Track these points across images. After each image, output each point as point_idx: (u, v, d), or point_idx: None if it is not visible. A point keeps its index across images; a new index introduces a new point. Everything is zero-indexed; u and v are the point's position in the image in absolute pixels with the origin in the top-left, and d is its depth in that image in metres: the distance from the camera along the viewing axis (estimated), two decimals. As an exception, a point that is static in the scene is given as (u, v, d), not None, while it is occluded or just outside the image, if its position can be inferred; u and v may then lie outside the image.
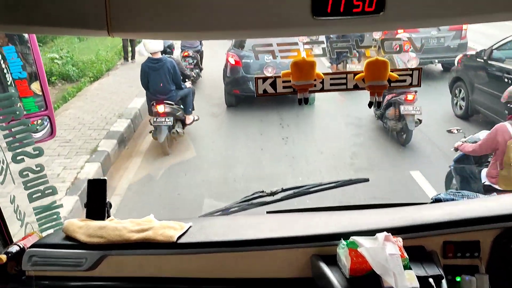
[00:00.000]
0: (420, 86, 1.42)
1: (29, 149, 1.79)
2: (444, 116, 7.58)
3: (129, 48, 11.30)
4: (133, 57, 11.16)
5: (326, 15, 1.14)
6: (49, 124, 1.84)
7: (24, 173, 1.76)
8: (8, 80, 1.78)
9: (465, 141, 4.25)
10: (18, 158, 1.77)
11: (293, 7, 1.14)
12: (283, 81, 1.41)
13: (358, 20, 1.16)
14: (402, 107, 6.13)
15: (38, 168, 1.78)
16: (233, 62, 8.09)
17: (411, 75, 1.42)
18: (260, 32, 1.29)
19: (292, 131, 7.26)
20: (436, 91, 8.56)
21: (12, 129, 1.77)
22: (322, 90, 1.42)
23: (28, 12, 1.09)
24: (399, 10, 1.16)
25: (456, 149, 4.33)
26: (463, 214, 1.57)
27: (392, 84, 1.41)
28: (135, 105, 8.27)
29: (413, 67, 1.44)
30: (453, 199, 1.80)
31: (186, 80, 6.82)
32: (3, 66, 1.76)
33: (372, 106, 1.40)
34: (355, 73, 1.41)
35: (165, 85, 6.19)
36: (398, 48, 1.52)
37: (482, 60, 7.16)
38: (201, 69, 9.55)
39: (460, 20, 1.30)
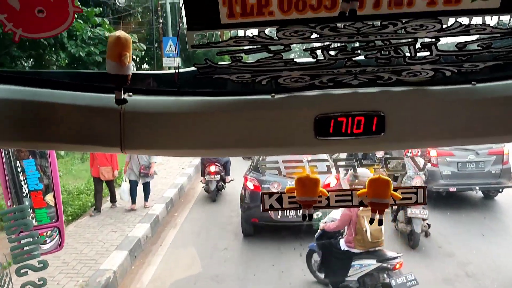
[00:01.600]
0: (426, 204, 1.58)
1: (34, 261, 1.97)
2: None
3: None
4: (113, 200, 9.60)
5: (329, 135, 1.40)
6: (58, 235, 2.05)
7: (26, 287, 1.90)
8: (24, 191, 2.07)
9: (325, 222, 5.92)
10: (22, 271, 1.94)
11: (298, 129, 1.42)
12: (289, 197, 1.61)
13: (359, 140, 1.42)
14: (409, 210, 7.00)
15: (41, 282, 1.92)
16: (251, 187, 8.08)
17: (416, 193, 1.60)
18: (266, 150, 1.56)
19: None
20: (482, 225, 8.40)
21: (21, 241, 1.98)
22: (327, 206, 1.60)
23: (49, 130, 1.40)
24: (398, 132, 1.42)
25: (322, 229, 5.93)
26: None
27: (397, 202, 1.58)
28: (110, 266, 6.67)
29: (417, 185, 1.62)
30: None
31: None
32: (21, 178, 2.07)
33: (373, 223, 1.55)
34: (359, 190, 1.60)
35: None
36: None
37: None
38: (225, 182, 10.66)
39: (456, 142, 1.53)
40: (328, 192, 1.61)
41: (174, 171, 12.70)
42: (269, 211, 1.58)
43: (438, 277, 6.51)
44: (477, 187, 9.57)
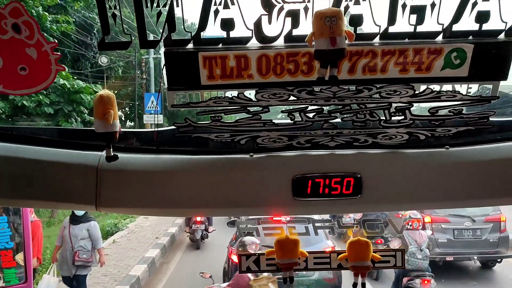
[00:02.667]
0: (404, 267, 1.65)
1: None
2: None
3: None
4: None
5: (306, 196, 1.50)
6: (26, 297, 2.03)
7: None
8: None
9: None
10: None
11: (276, 189, 1.52)
12: (267, 259, 1.67)
13: (337, 201, 1.52)
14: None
15: None
16: (236, 260, 7.15)
17: (394, 256, 1.68)
18: (244, 210, 1.65)
19: None
20: None
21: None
22: (306, 268, 1.66)
23: (24, 188, 1.48)
24: (375, 194, 1.53)
25: None
26: None
27: (376, 265, 1.65)
28: None
29: (395, 248, 1.70)
30: None
31: None
32: (-8, 236, 2.08)
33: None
34: (338, 253, 1.67)
35: None
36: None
37: None
38: (208, 232, 11.54)
39: (431, 205, 1.64)
40: (307, 253, 1.67)
41: (146, 241, 11.69)
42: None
43: None
44: (475, 257, 9.58)
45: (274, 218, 1.71)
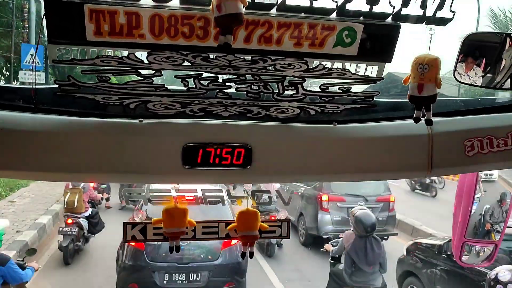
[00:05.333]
0: (289, 237, 1.84)
1: None
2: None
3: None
4: None
5: (196, 165, 1.58)
6: None
7: None
8: None
9: None
10: None
11: (166, 156, 1.58)
12: (154, 228, 1.74)
13: (227, 171, 1.63)
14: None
15: None
16: (133, 243, 6.81)
17: (280, 226, 1.86)
18: (131, 177, 1.69)
19: None
20: None
21: None
22: (193, 238, 1.77)
23: None
24: (264, 166, 1.66)
25: None
26: None
27: (262, 235, 1.81)
28: None
29: (282, 219, 1.88)
30: None
31: None
32: None
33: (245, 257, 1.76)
34: (227, 223, 1.80)
35: None
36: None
37: (445, 255, 7.08)
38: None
39: (317, 177, 1.83)
40: (196, 223, 1.77)
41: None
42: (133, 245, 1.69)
43: None
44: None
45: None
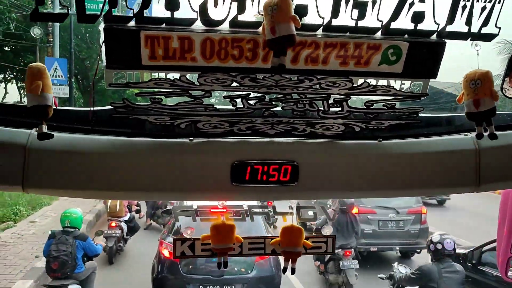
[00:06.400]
0: (335, 253, 1.89)
1: None
2: None
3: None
4: None
5: (245, 182, 1.66)
6: None
7: None
8: None
9: None
10: None
11: (215, 174, 1.66)
12: (202, 244, 1.82)
13: (274, 188, 1.70)
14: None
15: None
16: (167, 255, 7.33)
17: (325, 242, 1.91)
18: (181, 195, 1.78)
19: None
20: None
21: None
22: (241, 254, 1.84)
23: None
24: (311, 182, 1.73)
25: None
26: None
27: (308, 251, 1.87)
28: None
29: (327, 234, 1.94)
30: None
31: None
32: None
33: (286, 272, 1.82)
34: (272, 238, 1.87)
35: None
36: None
37: (470, 264, 7.36)
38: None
39: (363, 194, 1.89)
40: (242, 239, 1.85)
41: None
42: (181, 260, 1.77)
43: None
44: (397, 247, 10.52)
45: (211, 210, 1.85)
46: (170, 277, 7.25)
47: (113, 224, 9.70)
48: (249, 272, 7.18)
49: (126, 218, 10.22)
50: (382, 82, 1.76)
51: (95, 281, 7.35)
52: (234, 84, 1.61)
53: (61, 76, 17.65)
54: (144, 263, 8.72)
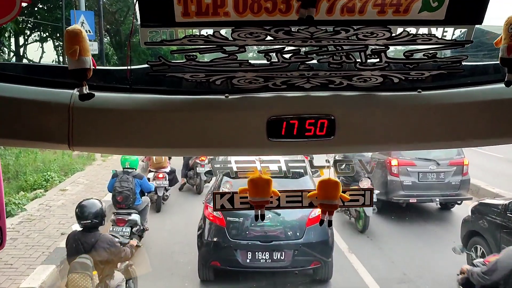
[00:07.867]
0: (372, 206, 1.96)
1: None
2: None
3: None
4: None
5: (280, 137, 1.72)
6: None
7: None
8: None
9: None
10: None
11: (251, 130, 1.72)
12: (241, 197, 1.91)
13: (311, 142, 1.75)
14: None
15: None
16: (212, 218, 7.27)
17: (363, 195, 1.97)
18: (219, 151, 1.86)
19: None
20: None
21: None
22: (278, 207, 1.93)
23: None
24: (348, 136, 1.76)
25: None
26: None
27: (346, 203, 1.94)
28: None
29: (365, 187, 1.99)
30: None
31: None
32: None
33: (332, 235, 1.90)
34: (309, 191, 1.94)
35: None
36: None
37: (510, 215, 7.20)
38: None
39: (402, 147, 1.92)
40: (279, 192, 1.93)
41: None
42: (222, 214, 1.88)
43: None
44: (437, 199, 10.55)
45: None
46: (216, 242, 7.25)
47: (160, 175, 10.87)
48: (301, 237, 7.02)
49: (168, 169, 11.31)
50: (423, 30, 1.74)
51: (148, 213, 9.08)
52: (268, 38, 1.63)
53: (89, 31, 17.75)
54: (185, 212, 10.79)
